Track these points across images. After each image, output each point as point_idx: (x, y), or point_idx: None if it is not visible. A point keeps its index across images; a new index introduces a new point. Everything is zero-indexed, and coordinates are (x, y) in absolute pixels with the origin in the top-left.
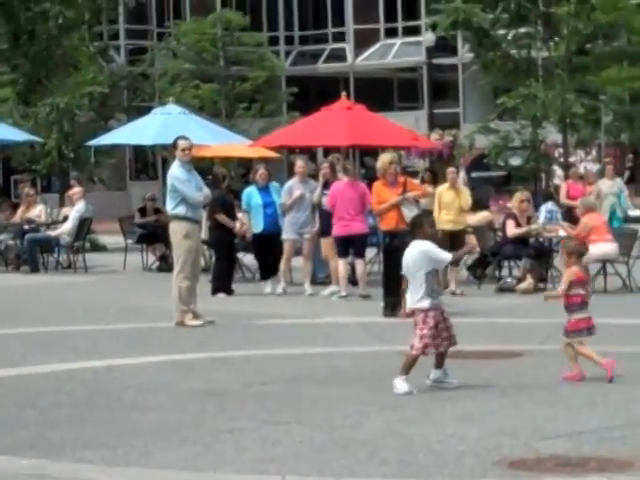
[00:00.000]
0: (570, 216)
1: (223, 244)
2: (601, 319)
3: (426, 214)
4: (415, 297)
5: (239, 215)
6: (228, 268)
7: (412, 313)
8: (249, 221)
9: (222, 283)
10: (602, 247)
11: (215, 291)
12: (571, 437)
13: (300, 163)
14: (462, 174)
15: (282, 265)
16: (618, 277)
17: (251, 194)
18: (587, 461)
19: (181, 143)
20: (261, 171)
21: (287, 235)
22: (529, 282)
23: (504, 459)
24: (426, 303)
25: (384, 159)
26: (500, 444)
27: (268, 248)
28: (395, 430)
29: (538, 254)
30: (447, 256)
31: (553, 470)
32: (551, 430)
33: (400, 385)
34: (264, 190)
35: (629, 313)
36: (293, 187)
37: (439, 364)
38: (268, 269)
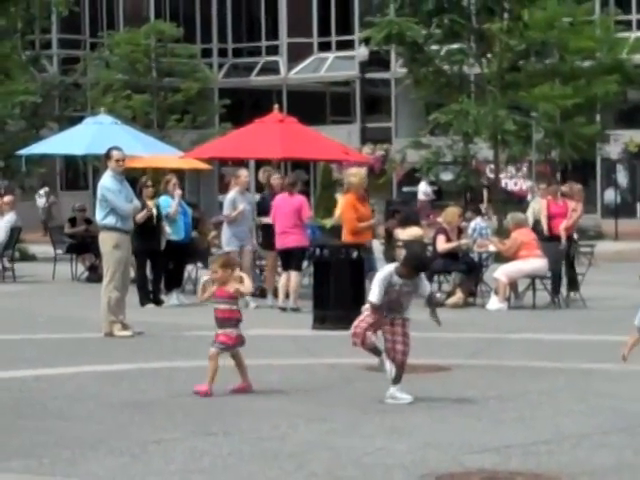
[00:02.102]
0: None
1: (143, 253)
2: (531, 334)
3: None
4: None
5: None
6: (154, 278)
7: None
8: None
9: (146, 293)
10: (532, 263)
11: (142, 302)
12: (498, 451)
13: (246, 173)
14: None
15: None
16: (546, 293)
17: (167, 203)
18: (514, 475)
19: (115, 154)
20: (174, 181)
21: (230, 247)
22: (459, 296)
23: (431, 473)
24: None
25: (362, 174)
26: (428, 458)
27: (180, 257)
28: (323, 443)
29: (468, 269)
30: (370, 297)
31: None
32: (478, 444)
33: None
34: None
35: (557, 328)
36: (236, 199)
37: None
38: (174, 279)
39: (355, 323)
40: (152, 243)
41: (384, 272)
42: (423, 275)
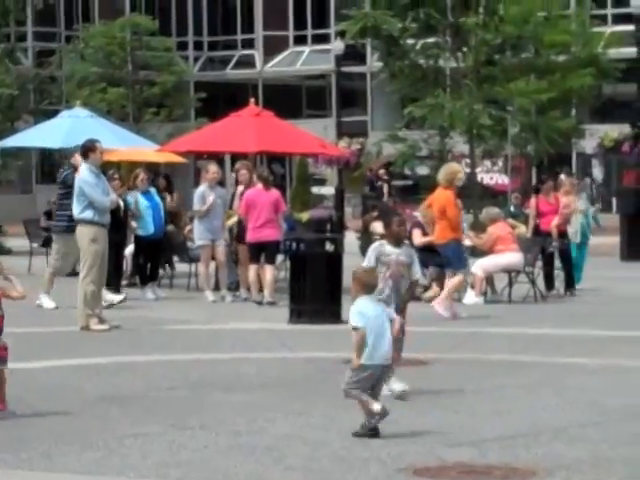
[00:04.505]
0: (537, 233)
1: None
2: (508, 329)
3: (396, 213)
4: None
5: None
6: (115, 271)
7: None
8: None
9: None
10: (508, 257)
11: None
12: (475, 445)
13: (215, 169)
14: None
15: (202, 271)
16: (521, 286)
17: (136, 198)
18: (491, 469)
19: (99, 146)
20: (142, 175)
21: (202, 241)
22: (435, 290)
23: (409, 466)
24: None
25: (457, 168)
26: (405, 451)
27: (153, 252)
28: (300, 436)
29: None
30: (364, 263)
31: (457, 477)
32: (456, 437)
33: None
34: (146, 194)
35: (535, 323)
36: (205, 193)
37: None
38: (150, 274)
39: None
40: (117, 235)
41: (372, 245)
42: (417, 258)
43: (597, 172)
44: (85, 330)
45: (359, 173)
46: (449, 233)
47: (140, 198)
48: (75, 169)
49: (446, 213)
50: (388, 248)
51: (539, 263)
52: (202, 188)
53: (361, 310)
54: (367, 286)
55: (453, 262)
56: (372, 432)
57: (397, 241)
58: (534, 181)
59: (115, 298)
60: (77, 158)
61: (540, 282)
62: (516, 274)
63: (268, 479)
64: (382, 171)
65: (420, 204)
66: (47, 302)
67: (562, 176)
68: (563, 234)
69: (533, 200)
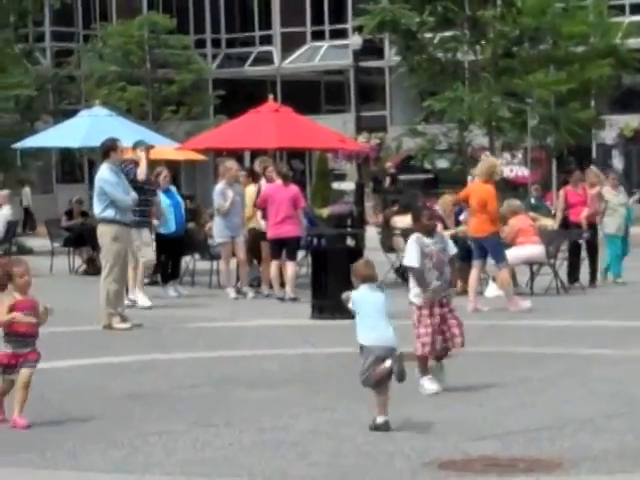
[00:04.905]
0: (566, 225)
1: None
2: (530, 321)
3: (425, 207)
4: (410, 293)
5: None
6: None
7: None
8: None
9: None
10: (529, 249)
11: None
12: (500, 438)
13: (234, 166)
14: None
15: (223, 268)
16: (543, 279)
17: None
18: (516, 462)
19: (120, 145)
20: (164, 173)
21: (223, 238)
22: (459, 284)
23: (434, 460)
24: (417, 300)
25: (496, 162)
26: (429, 445)
27: (175, 250)
28: (324, 432)
29: (466, 255)
30: (406, 261)
31: (482, 471)
32: (480, 431)
33: (427, 385)
34: (167, 192)
35: (557, 314)
36: (225, 190)
37: (438, 358)
38: (171, 272)
39: (417, 333)
40: None
41: (410, 239)
42: (448, 237)
43: (617, 162)
44: (108, 329)
45: (379, 167)
46: (489, 226)
47: (162, 196)
48: (136, 164)
49: (487, 207)
50: (425, 240)
51: (563, 254)
52: (221, 185)
53: (361, 294)
54: (366, 277)
55: (495, 255)
56: (383, 428)
57: (428, 233)
58: (554, 173)
59: (145, 303)
60: (137, 152)
61: (562, 273)
62: (538, 266)
63: (293, 475)
64: (389, 164)
65: (440, 197)
66: (143, 300)
67: (592, 167)
68: (593, 225)
69: (562, 191)
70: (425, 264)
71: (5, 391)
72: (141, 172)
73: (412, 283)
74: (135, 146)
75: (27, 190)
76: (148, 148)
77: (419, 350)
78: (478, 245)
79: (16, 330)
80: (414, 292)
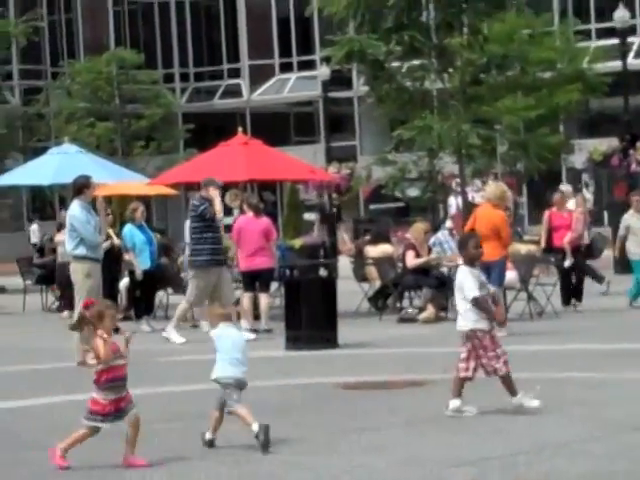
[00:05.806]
0: (549, 249)
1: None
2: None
3: (471, 235)
4: (461, 320)
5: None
6: None
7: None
8: (135, 259)
9: None
10: None
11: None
12: (476, 464)
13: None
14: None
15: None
16: (518, 304)
17: (133, 232)
18: None
19: (94, 183)
20: (141, 209)
21: None
22: (430, 311)
23: None
24: (482, 325)
25: (505, 188)
26: (407, 473)
27: (149, 285)
28: (301, 462)
29: (439, 283)
30: (470, 293)
31: None
32: (457, 458)
33: (452, 404)
34: (141, 228)
35: (530, 339)
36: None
37: (510, 391)
38: (145, 307)
39: (495, 354)
40: (112, 272)
41: (462, 271)
42: (469, 277)
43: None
44: (82, 365)
45: (349, 197)
46: (501, 250)
47: (137, 232)
48: (210, 202)
49: (500, 233)
50: (474, 270)
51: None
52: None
53: (223, 332)
54: (226, 316)
55: (498, 278)
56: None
57: (472, 262)
58: (525, 199)
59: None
60: (210, 190)
61: (555, 297)
62: (516, 292)
63: None
64: (335, 195)
65: (411, 225)
66: (175, 336)
67: (561, 185)
68: (577, 249)
69: (546, 214)
70: (483, 292)
71: (84, 439)
72: (219, 211)
73: (471, 313)
74: (205, 185)
75: None
76: (219, 187)
77: (502, 370)
78: (486, 268)
79: (118, 374)
80: (472, 318)
